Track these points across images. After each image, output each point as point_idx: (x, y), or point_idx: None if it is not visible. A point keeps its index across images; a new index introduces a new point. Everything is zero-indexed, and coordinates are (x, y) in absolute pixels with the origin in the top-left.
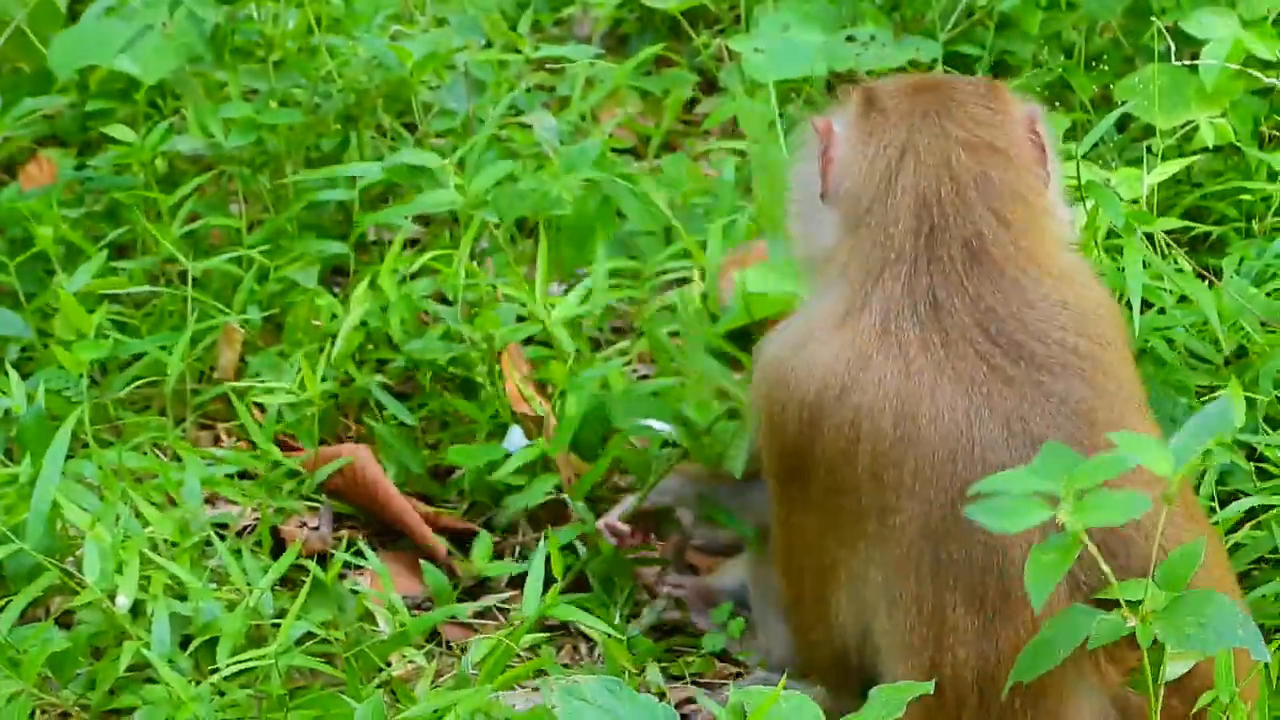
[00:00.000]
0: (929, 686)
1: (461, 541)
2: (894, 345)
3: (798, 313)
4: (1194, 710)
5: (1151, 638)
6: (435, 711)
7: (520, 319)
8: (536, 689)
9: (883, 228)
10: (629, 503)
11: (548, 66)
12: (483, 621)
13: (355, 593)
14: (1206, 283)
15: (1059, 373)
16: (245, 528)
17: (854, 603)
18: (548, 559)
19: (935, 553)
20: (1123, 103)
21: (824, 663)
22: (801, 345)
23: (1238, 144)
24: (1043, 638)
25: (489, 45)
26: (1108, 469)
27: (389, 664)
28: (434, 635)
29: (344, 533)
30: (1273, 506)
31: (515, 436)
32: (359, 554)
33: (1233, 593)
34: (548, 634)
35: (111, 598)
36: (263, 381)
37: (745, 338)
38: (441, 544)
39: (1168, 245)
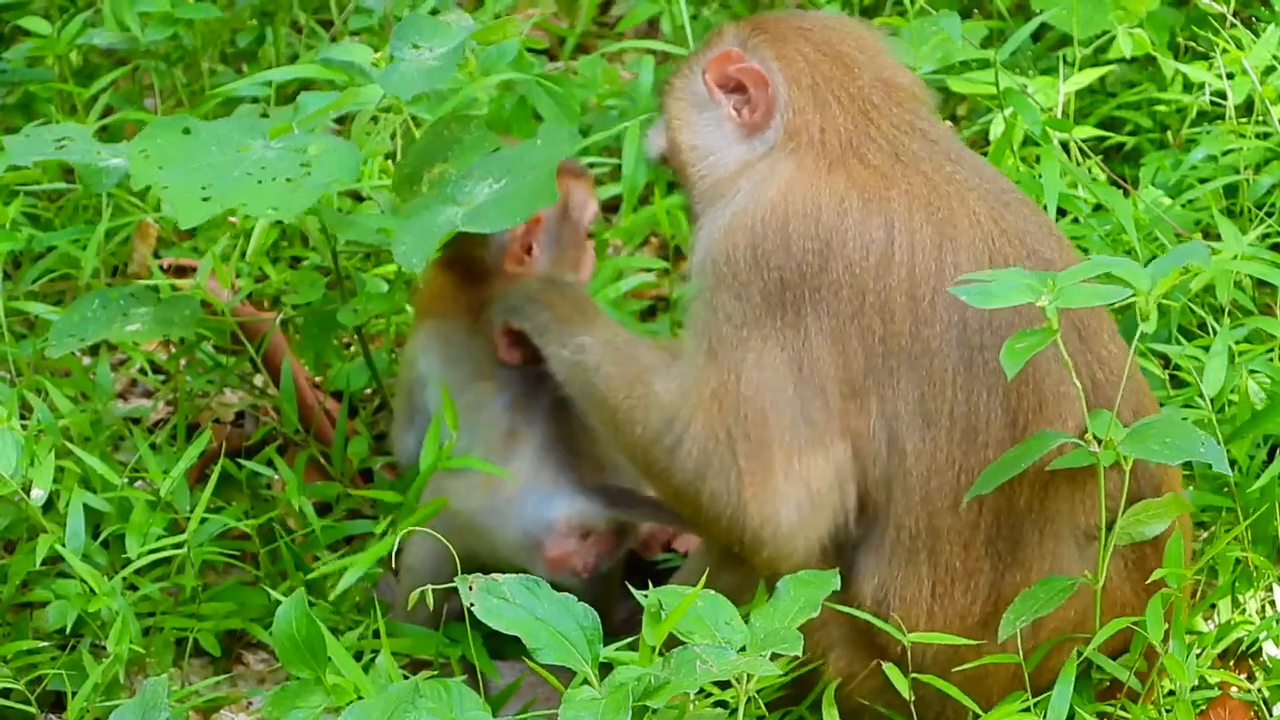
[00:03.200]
0: (834, 579)
1: None
2: (908, 168)
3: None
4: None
5: (1114, 459)
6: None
7: None
8: None
9: (821, 116)
10: None
11: None
12: None
13: (266, 497)
14: (1122, 192)
15: (1038, 212)
16: (158, 421)
17: (887, 427)
18: None
19: (970, 362)
20: (1040, 12)
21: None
22: (787, 190)
23: (1154, 54)
24: (1007, 456)
25: None
26: (1090, 270)
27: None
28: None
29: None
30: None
31: None
32: (281, 448)
33: None
34: None
35: (26, 491)
36: (176, 278)
37: None
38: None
39: (1083, 154)
